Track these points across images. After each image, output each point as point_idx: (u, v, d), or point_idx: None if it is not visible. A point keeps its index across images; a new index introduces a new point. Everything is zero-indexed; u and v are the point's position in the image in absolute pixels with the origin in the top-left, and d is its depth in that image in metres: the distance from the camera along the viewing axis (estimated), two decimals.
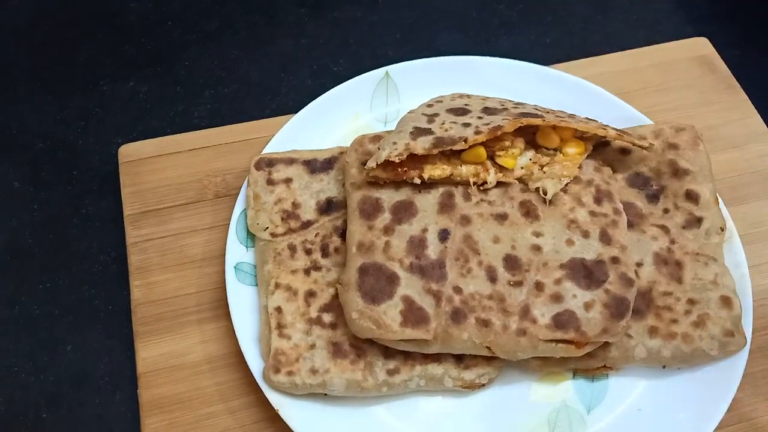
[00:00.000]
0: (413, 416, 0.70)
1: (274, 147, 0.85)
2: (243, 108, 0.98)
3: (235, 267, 0.77)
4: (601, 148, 0.83)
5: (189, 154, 0.89)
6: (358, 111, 0.90)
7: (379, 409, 0.70)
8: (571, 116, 0.81)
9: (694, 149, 0.81)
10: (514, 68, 0.92)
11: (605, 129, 0.79)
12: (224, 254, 0.77)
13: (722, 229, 0.77)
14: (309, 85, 1.00)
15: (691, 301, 0.72)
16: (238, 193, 0.82)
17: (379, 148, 0.77)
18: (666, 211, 0.78)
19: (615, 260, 0.72)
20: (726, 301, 0.72)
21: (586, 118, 0.82)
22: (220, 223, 0.83)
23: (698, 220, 0.76)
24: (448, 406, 0.71)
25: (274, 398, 0.69)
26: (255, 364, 0.71)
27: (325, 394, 0.69)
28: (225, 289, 0.75)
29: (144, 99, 0.99)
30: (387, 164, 0.76)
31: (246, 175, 0.82)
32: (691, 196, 0.78)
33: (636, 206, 0.78)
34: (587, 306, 0.69)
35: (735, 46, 1.03)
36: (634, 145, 0.80)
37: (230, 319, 0.73)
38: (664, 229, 0.76)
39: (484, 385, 0.70)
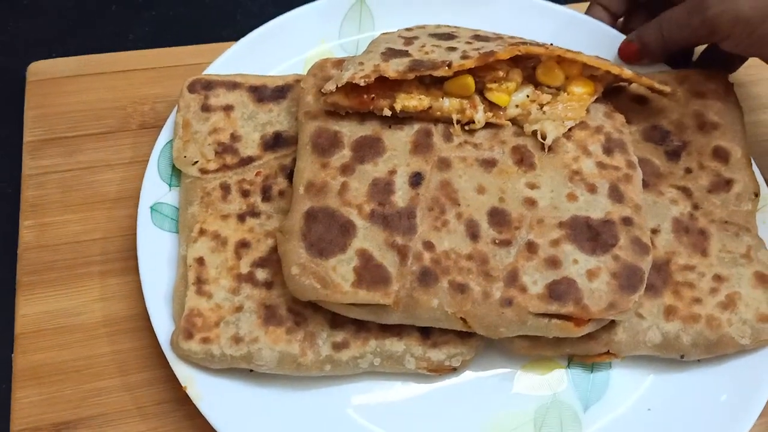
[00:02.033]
0: (362, 406, 0.57)
1: (218, 70, 0.69)
2: (189, 34, 0.83)
3: (151, 207, 0.62)
4: (613, 96, 0.70)
5: (114, 77, 0.74)
6: (324, 37, 0.75)
7: (319, 395, 0.57)
8: (579, 53, 0.67)
9: (725, 100, 0.70)
10: (517, 2, 0.77)
11: (620, 68, 0.65)
12: None
13: (756, 195, 0.65)
14: (270, 12, 0.85)
15: (719, 278, 0.60)
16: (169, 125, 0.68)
17: (342, 71, 0.62)
18: (689, 170, 0.66)
19: (627, 221, 0.59)
20: (762, 279, 0.60)
21: (597, 57, 0.68)
22: (142, 158, 0.69)
23: (727, 183, 0.65)
24: (409, 394, 0.58)
25: (183, 371, 0.54)
26: (163, 328, 0.56)
27: (251, 371, 0.56)
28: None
29: (69, 16, 0.83)
30: (351, 90, 0.62)
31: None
32: (720, 155, 0.66)
33: (652, 164, 0.67)
34: (591, 274, 0.56)
35: None
36: (653, 90, 0.67)
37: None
38: (686, 191, 0.65)
39: (455, 369, 0.58)
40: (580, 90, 0.66)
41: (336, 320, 0.56)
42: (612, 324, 0.57)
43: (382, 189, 0.59)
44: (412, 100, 0.62)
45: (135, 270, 0.59)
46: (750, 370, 0.57)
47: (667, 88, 0.67)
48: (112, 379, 0.57)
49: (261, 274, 0.58)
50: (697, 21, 0.62)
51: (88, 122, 0.70)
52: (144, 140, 0.70)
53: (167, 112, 0.72)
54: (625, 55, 0.72)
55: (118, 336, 0.59)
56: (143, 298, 0.57)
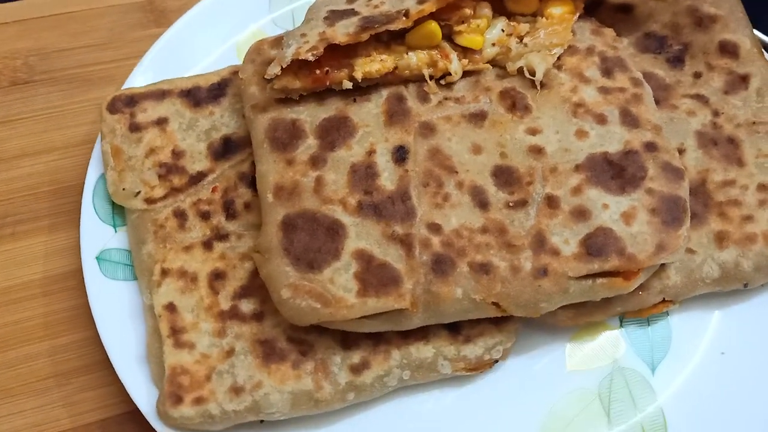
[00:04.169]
0: (401, 428, 0.48)
1: (140, 79, 0.59)
2: None
3: (97, 257, 0.52)
4: (593, 10, 0.61)
5: None
6: (252, 14, 0.65)
7: (348, 428, 0.48)
8: None
9: None
10: None
11: None
12: (24, 156, 0.60)
13: None
14: None
15: (764, 187, 0.55)
16: (45, 79, 0.66)
17: (283, 48, 0.52)
18: (697, 75, 0.60)
19: (650, 147, 0.51)
20: None
21: None
22: (14, 116, 0.64)
23: (743, 79, 0.59)
24: (450, 401, 0.50)
25: None
26: (144, 396, 0.46)
27: (262, 421, 0.46)
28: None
29: None
30: (299, 68, 0.53)
31: (61, 55, 0.65)
32: (727, 49, 0.60)
33: (656, 76, 0.60)
34: (627, 217, 0.49)
35: None
36: None
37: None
38: (701, 99, 0.58)
39: (497, 361, 0.50)
40: (560, 11, 0.58)
41: (348, 339, 0.48)
42: (662, 268, 0.50)
43: (364, 175, 0.50)
44: (373, 64, 0.53)
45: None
46: None
47: None
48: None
49: (246, 306, 0.49)
50: None
51: None
52: (17, 97, 0.65)
53: (42, 65, 0.66)
54: None
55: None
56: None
